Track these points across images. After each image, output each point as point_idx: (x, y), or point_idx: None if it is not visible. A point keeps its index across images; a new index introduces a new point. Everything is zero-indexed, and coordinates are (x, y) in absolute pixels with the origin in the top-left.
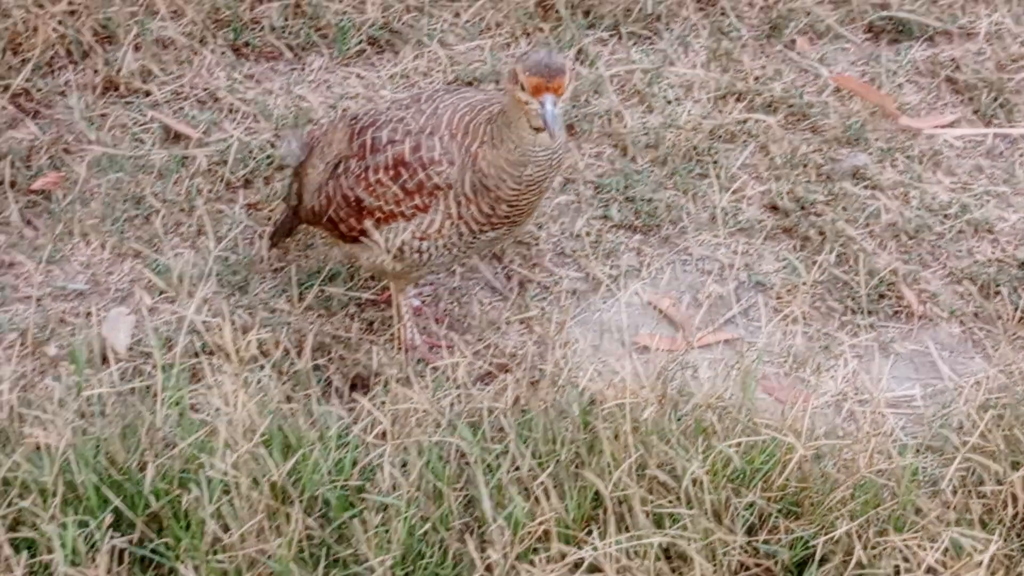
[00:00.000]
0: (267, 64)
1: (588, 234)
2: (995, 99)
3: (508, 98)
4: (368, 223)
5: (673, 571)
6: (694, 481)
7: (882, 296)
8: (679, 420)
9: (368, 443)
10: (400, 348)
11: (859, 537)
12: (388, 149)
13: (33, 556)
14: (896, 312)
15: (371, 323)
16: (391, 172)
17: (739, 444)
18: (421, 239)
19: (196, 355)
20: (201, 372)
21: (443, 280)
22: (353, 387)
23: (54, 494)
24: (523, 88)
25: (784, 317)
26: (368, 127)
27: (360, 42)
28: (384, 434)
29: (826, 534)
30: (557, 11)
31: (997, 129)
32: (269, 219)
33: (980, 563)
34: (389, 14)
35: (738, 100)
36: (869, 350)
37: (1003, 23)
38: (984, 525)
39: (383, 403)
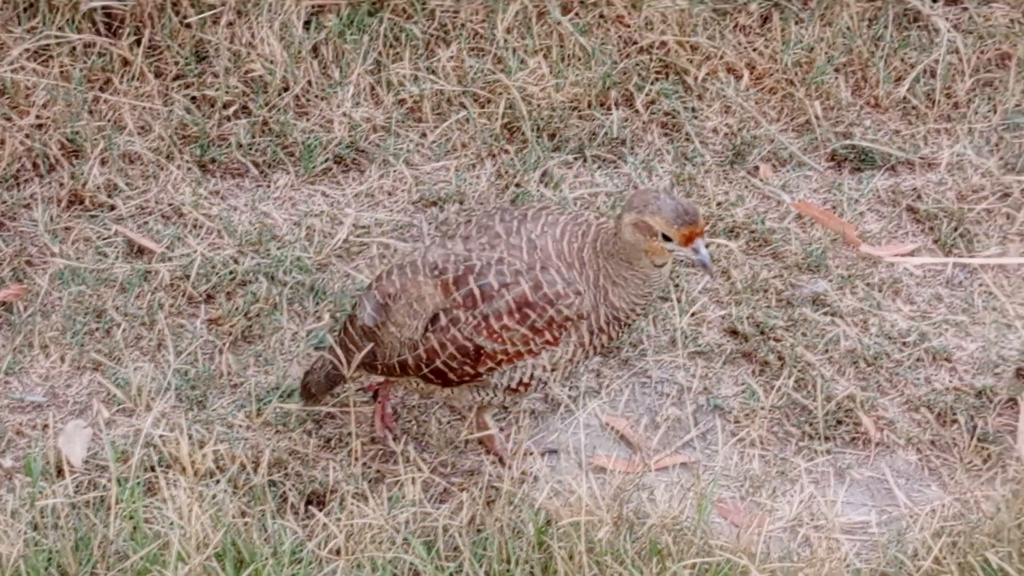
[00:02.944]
0: (233, 180)
1: None
2: (955, 229)
3: (629, 244)
4: (485, 367)
5: None
6: None
7: (839, 422)
8: (634, 541)
9: (322, 559)
10: (494, 458)
11: None
12: (505, 293)
13: None
14: (853, 438)
15: (328, 440)
16: (516, 316)
17: (693, 566)
18: (551, 369)
19: (152, 468)
20: (157, 486)
21: (403, 399)
22: (309, 503)
23: None
24: (667, 238)
25: (741, 441)
26: (465, 275)
27: (326, 160)
28: (339, 550)
29: None
30: (523, 133)
31: (957, 259)
32: (230, 334)
33: None
34: (356, 133)
35: None
36: (825, 475)
37: (964, 154)
38: None
39: (338, 519)
